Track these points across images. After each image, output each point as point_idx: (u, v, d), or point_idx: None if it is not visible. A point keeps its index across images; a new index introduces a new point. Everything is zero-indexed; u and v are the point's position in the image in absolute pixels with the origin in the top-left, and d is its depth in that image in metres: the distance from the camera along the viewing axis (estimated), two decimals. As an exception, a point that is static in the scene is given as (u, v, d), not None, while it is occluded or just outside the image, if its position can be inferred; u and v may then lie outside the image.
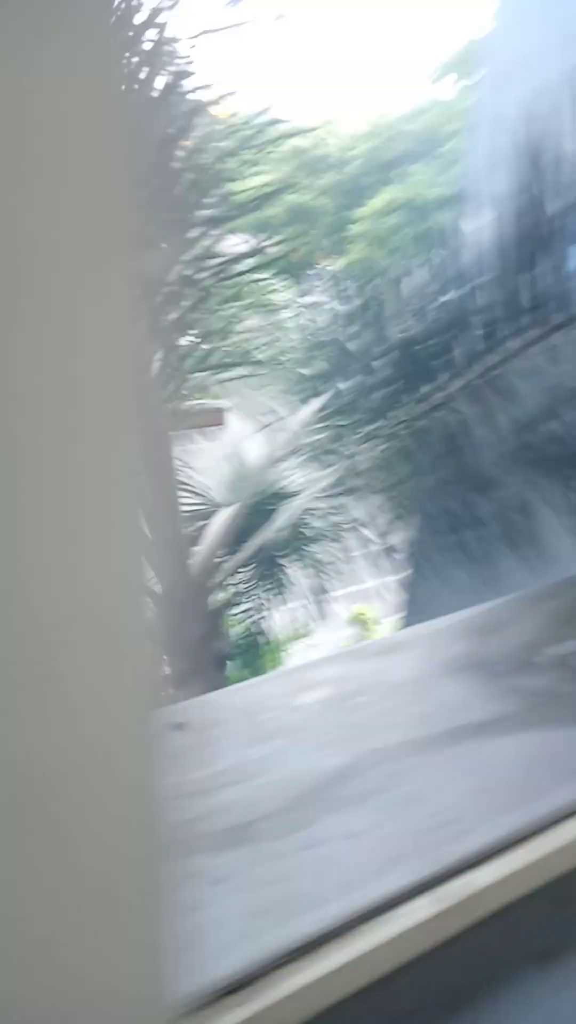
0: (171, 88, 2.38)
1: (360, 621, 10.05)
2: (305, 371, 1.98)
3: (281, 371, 2.28)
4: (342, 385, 1.81)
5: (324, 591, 3.31)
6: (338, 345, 1.94)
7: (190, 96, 2.57)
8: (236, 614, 4.37)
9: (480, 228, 1.81)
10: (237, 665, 5.27)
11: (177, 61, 2.44)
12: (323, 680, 0.93)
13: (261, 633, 4.49)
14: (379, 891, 0.64)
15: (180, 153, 2.60)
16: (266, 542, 2.35)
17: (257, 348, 2.63)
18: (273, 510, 2.45)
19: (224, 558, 2.77)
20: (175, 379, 2.23)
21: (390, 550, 1.93)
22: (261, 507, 2.66)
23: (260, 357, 2.75)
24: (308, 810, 0.74)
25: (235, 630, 4.75)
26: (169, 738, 0.85)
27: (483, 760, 0.82)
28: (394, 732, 0.85)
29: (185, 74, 2.37)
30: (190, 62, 2.46)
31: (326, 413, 1.97)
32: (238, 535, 2.74)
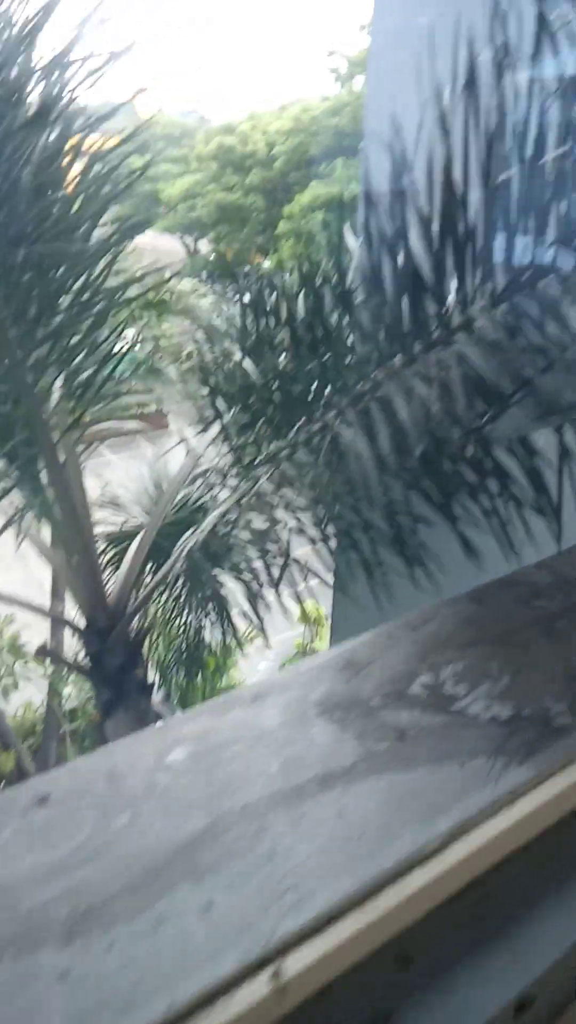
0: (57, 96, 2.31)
1: (310, 619, 10.10)
2: (206, 390, 1.97)
3: (186, 388, 2.26)
4: (240, 405, 1.81)
5: (259, 597, 3.32)
6: (235, 362, 1.94)
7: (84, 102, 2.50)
8: (175, 628, 4.35)
9: (372, 236, 1.82)
10: (181, 679, 5.25)
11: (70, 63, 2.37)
12: (194, 734, 0.92)
13: (202, 643, 4.48)
14: (222, 970, 0.64)
15: (77, 165, 2.54)
16: (185, 558, 2.35)
17: (165, 364, 2.60)
18: (190, 527, 2.45)
19: (146, 579, 2.74)
20: (79, 403, 2.19)
21: (295, 563, 1.95)
22: (181, 524, 2.65)
23: (171, 374, 2.72)
24: (165, 881, 0.74)
25: (176, 643, 4.73)
26: (32, 814, 0.83)
27: (346, 807, 0.82)
28: (260, 784, 0.85)
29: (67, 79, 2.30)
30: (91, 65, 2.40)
31: (229, 432, 1.96)
32: (161, 553, 2.72)
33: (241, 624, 4.18)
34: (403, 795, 0.85)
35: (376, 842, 0.78)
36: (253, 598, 2.50)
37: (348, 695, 1.01)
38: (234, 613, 3.74)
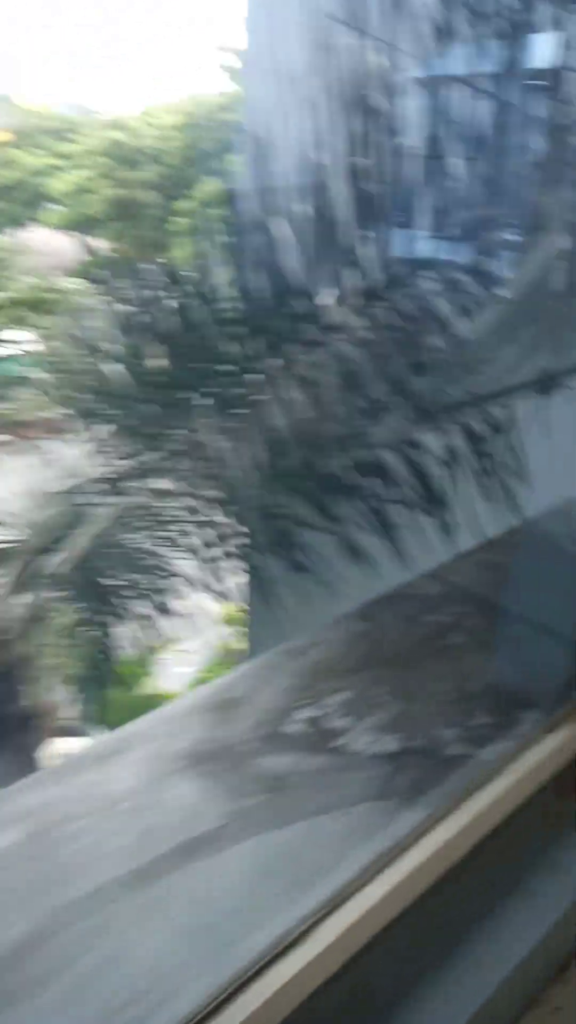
0: None
1: (233, 621, 9.96)
2: (78, 396, 1.81)
3: (63, 394, 2.09)
4: (113, 413, 1.67)
5: (163, 608, 3.16)
6: (108, 368, 1.79)
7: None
8: (77, 645, 4.13)
9: (242, 235, 1.72)
10: (89, 697, 5.03)
11: None
12: (31, 809, 0.78)
13: (107, 658, 4.28)
14: None
15: None
16: (61, 577, 2.19)
17: (43, 368, 2.42)
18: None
19: (24, 600, 2.55)
20: None
21: (174, 576, 1.86)
22: (62, 539, 2.48)
23: (49, 379, 2.53)
24: (-25, 1013, 0.60)
25: (83, 660, 4.50)
26: None
27: (209, 883, 0.71)
28: (109, 866, 0.72)
29: None
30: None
31: (103, 442, 1.82)
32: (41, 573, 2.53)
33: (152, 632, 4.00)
34: (276, 860, 0.74)
35: (242, 925, 0.67)
36: (146, 610, 2.37)
37: (220, 741, 0.90)
38: (135, 625, 3.58)
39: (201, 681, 9.68)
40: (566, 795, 0.83)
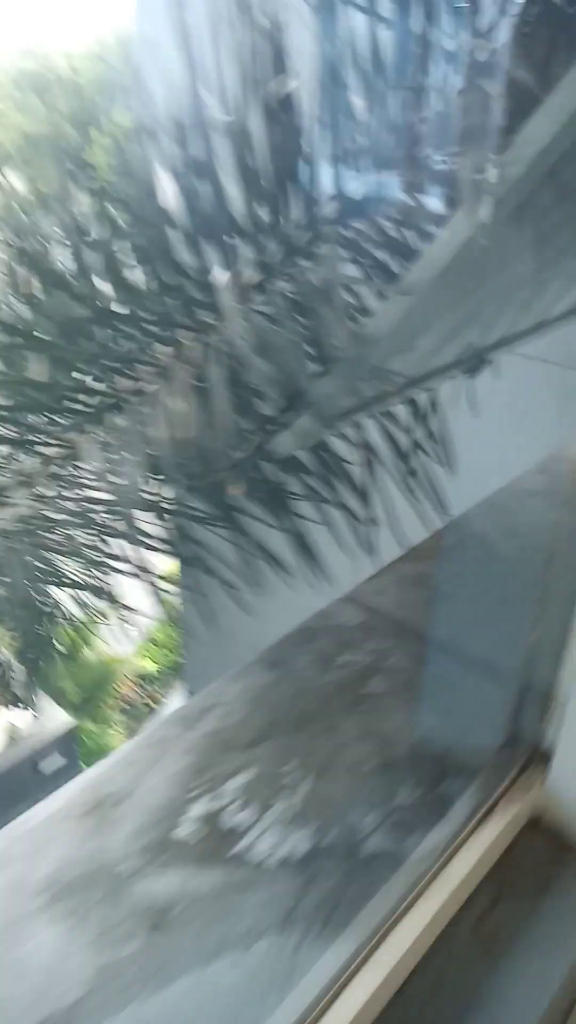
0: None
1: (173, 579, 9.79)
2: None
3: None
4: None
5: (101, 590, 2.99)
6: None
7: None
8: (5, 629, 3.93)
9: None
10: (29, 671, 4.87)
11: None
12: None
13: (40, 636, 4.10)
14: None
15: None
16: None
17: None
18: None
19: None
20: None
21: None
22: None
23: None
24: None
25: (16, 637, 4.31)
26: None
27: None
28: None
29: None
30: None
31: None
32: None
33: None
34: (150, 1044, 0.59)
35: None
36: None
37: (91, 860, 0.74)
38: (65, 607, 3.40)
39: (150, 640, 9.55)
40: (504, 899, 0.71)
